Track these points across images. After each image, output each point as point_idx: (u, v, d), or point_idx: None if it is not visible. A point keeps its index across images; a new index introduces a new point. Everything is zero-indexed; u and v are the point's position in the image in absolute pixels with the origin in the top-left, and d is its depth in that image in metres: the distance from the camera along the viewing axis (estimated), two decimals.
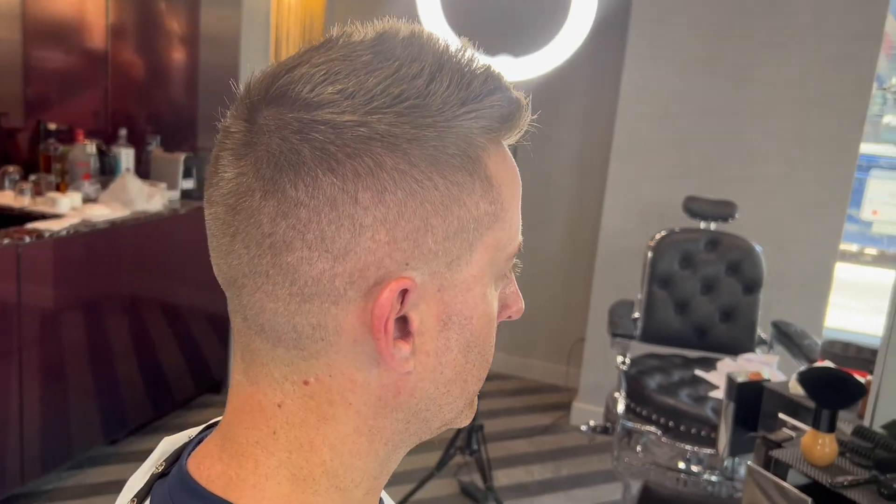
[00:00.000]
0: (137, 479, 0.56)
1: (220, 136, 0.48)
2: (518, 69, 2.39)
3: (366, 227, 0.43)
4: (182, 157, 3.23)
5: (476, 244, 0.47)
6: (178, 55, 3.43)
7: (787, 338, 2.56)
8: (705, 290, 2.79)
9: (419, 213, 0.44)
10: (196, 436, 0.56)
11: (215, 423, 0.57)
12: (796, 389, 1.73)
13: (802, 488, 1.39)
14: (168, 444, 0.58)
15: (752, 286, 2.74)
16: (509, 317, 0.54)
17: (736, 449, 1.92)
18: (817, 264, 3.06)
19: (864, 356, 1.81)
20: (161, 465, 0.54)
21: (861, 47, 2.89)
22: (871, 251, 6.52)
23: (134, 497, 0.53)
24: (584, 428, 2.58)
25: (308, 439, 0.47)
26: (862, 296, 5.92)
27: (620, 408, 2.43)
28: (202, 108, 3.35)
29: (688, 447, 2.37)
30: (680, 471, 2.40)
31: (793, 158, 3.06)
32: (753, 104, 3.07)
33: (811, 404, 1.70)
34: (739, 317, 2.75)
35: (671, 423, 2.37)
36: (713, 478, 2.39)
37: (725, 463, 2.28)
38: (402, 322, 0.46)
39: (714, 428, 2.32)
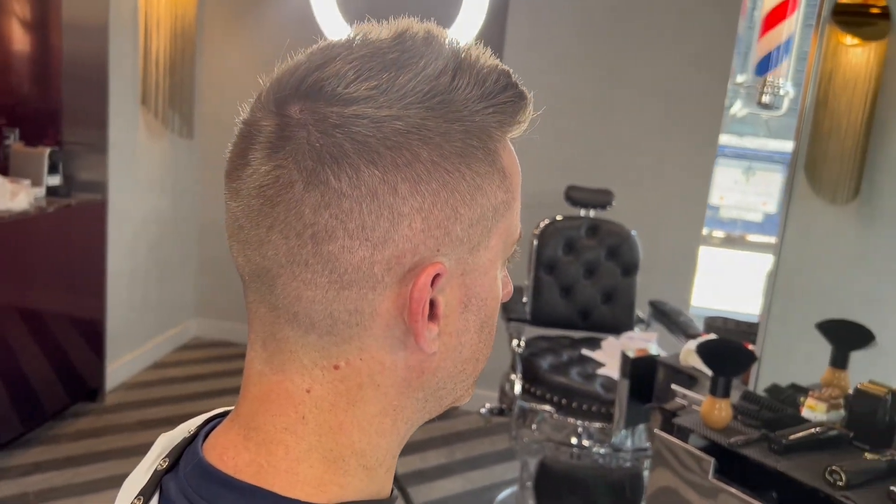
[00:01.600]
0: (138, 478, 0.56)
1: (245, 129, 0.49)
2: None
3: (404, 216, 0.46)
4: (47, 151, 3.02)
5: (493, 231, 0.51)
6: (35, 43, 3.20)
7: (663, 315, 2.75)
8: (587, 274, 2.94)
9: (450, 202, 0.47)
10: (197, 430, 0.56)
11: (220, 415, 0.57)
12: (686, 362, 1.89)
13: (704, 450, 1.53)
14: (167, 440, 0.58)
15: (629, 269, 2.92)
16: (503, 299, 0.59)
17: (631, 420, 2.06)
18: (684, 248, 3.30)
19: (742, 329, 2.00)
20: (164, 461, 0.54)
21: (718, 45, 3.14)
22: (719, 234, 7.11)
23: (139, 495, 0.53)
24: (482, 411, 2.66)
25: (337, 422, 0.49)
26: (715, 275, 6.44)
27: (517, 389, 2.53)
28: (67, 99, 3.15)
29: (580, 423, 2.50)
30: (573, 446, 2.53)
31: (661, 150, 3.28)
32: (626, 99, 3.27)
33: (701, 374, 1.86)
34: (619, 298, 2.92)
35: (564, 401, 2.50)
36: (602, 450, 2.54)
37: (616, 436, 2.43)
38: (430, 305, 0.49)
39: (604, 403, 2.47)
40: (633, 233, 2.95)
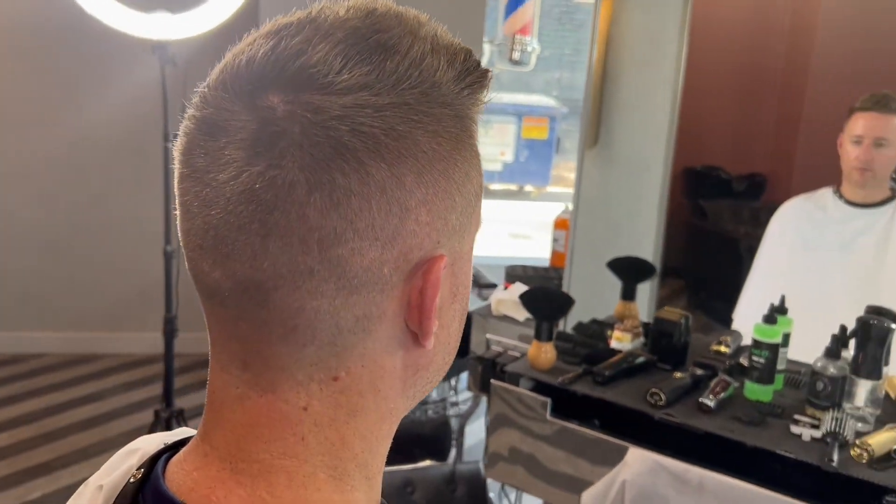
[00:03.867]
0: (110, 475, 0.52)
1: (205, 125, 0.43)
2: (175, 26, 2.22)
3: (410, 209, 0.43)
4: None
5: (472, 216, 0.50)
6: None
7: None
8: None
9: (448, 191, 0.46)
10: (165, 452, 0.51)
11: (185, 441, 0.51)
12: (499, 311, 1.99)
13: (536, 391, 1.63)
14: (145, 443, 0.54)
15: None
16: None
17: (450, 373, 2.14)
18: None
19: (540, 274, 2.15)
20: (139, 472, 0.50)
21: (469, 3, 3.27)
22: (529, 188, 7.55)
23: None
24: None
25: (339, 436, 0.46)
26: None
27: None
28: None
29: None
30: None
31: None
32: None
33: (514, 321, 1.98)
34: None
35: None
36: None
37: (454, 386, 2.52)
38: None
39: None
40: None
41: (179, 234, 0.47)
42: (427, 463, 2.35)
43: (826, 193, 2.03)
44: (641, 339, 1.75)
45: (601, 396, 1.56)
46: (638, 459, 1.63)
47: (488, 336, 1.97)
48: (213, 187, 0.42)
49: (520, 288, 2.01)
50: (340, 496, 0.46)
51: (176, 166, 0.46)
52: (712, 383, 1.56)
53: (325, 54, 0.42)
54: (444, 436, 2.67)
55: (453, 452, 2.65)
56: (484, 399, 2.05)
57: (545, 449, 1.60)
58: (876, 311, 1.53)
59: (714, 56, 2.47)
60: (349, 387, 0.45)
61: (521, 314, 1.94)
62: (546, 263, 2.32)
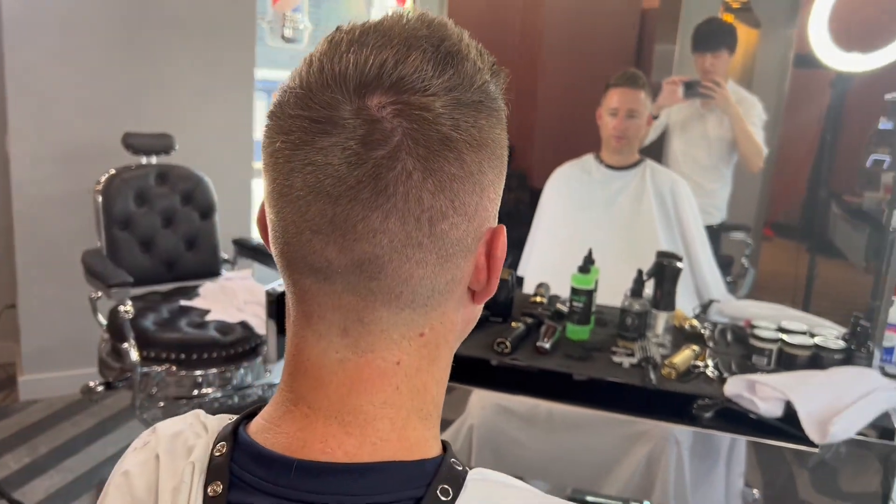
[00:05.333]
0: (147, 462, 0.57)
1: (314, 123, 0.49)
2: None
3: (485, 189, 0.54)
4: None
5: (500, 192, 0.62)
6: None
7: (254, 251, 2.84)
8: (166, 223, 2.83)
9: (502, 172, 0.58)
10: (234, 424, 0.57)
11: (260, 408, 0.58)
12: None
13: None
14: (216, 423, 0.59)
15: (206, 212, 2.90)
16: None
17: (283, 351, 2.15)
18: (239, 183, 3.38)
19: None
20: (223, 446, 0.55)
21: None
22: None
23: (217, 481, 0.53)
24: (85, 390, 2.42)
25: (422, 383, 0.56)
26: None
27: (133, 356, 2.36)
28: None
29: (200, 373, 2.48)
30: (193, 397, 2.51)
31: (204, 87, 3.25)
32: (160, 36, 3.12)
33: None
34: (202, 242, 2.90)
35: (183, 356, 2.44)
36: (219, 394, 2.57)
37: (269, 368, 2.50)
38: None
39: (223, 347, 2.48)
40: (205, 176, 2.91)
41: (279, 223, 0.52)
42: None
43: (589, 159, 2.34)
44: None
45: (470, 354, 1.71)
46: (479, 404, 1.81)
47: None
48: (334, 178, 0.48)
49: None
50: (428, 432, 0.55)
51: (279, 160, 0.51)
52: (542, 329, 1.78)
53: (419, 62, 0.49)
54: None
55: None
56: None
57: None
58: (665, 255, 1.85)
59: None
60: (430, 341, 0.54)
61: None
62: None
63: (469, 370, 1.71)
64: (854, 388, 1.50)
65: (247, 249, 2.93)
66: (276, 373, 2.66)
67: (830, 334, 1.75)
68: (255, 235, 3.07)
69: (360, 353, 0.52)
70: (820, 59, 2.02)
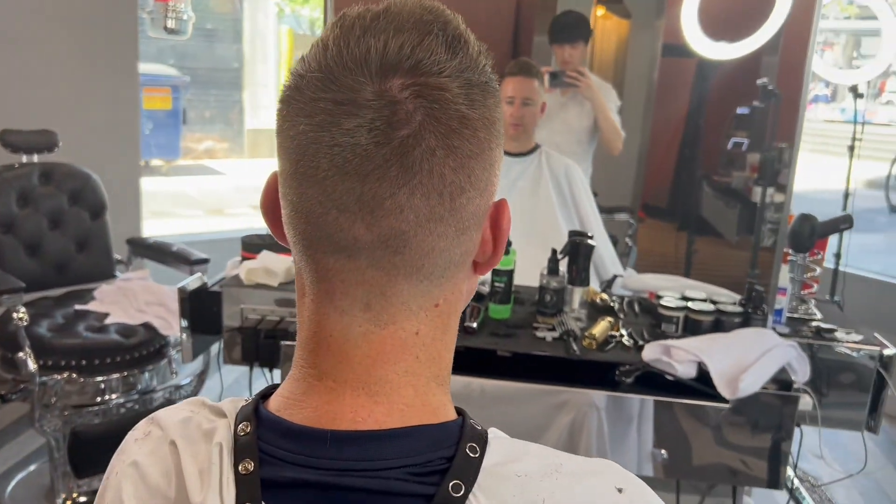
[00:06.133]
0: (158, 450, 0.57)
1: (344, 107, 0.51)
2: None
3: (494, 164, 0.58)
4: None
5: None
6: None
7: (151, 250, 2.74)
8: (53, 224, 2.68)
9: (502, 148, 0.63)
10: (253, 405, 0.58)
11: (273, 389, 0.60)
12: (252, 279, 2.02)
13: None
14: (230, 406, 0.59)
15: (97, 211, 2.76)
16: None
17: (198, 351, 2.10)
18: (127, 180, 3.24)
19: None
20: (247, 425, 0.56)
21: None
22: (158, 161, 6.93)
23: (248, 459, 0.54)
24: None
25: (437, 351, 0.59)
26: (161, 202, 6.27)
27: (31, 366, 2.23)
28: None
29: (101, 379, 2.37)
30: (98, 404, 2.40)
31: (86, 82, 3.08)
32: (28, 29, 2.92)
33: (270, 287, 2.03)
34: (94, 243, 2.76)
35: (84, 362, 2.33)
36: (122, 400, 2.47)
37: (175, 370, 2.41)
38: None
39: (126, 350, 2.39)
40: (94, 174, 2.77)
41: (301, 204, 0.53)
42: None
43: None
44: None
45: None
46: None
47: (243, 307, 2.00)
48: (362, 157, 0.50)
49: (268, 256, 2.06)
50: (445, 397, 0.59)
51: (303, 143, 0.52)
52: (467, 310, 1.84)
53: (434, 46, 0.52)
54: None
55: None
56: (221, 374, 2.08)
57: None
58: (577, 234, 1.95)
59: None
60: (444, 311, 0.58)
61: (275, 280, 2.00)
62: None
63: None
64: (755, 348, 1.65)
65: (142, 249, 2.81)
66: (183, 374, 2.59)
67: (728, 300, 1.91)
68: (149, 233, 2.96)
69: (383, 325, 0.54)
70: (692, 49, 2.15)
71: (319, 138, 0.51)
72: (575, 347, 1.70)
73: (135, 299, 2.58)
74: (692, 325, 1.81)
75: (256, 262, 2.03)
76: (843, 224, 2.02)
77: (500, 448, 0.56)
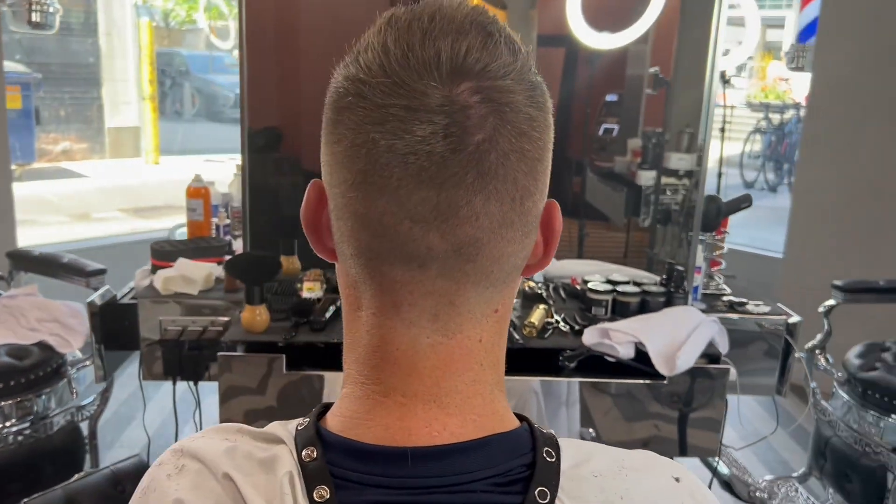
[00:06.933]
0: (206, 485, 0.53)
1: (415, 113, 0.49)
2: None
3: (547, 166, 0.57)
4: None
5: None
6: None
7: (38, 263, 2.53)
8: None
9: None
10: (314, 428, 0.55)
11: (325, 408, 0.58)
12: (168, 288, 1.90)
13: (257, 352, 1.68)
14: (282, 430, 0.56)
15: None
16: None
17: (111, 369, 1.97)
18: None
19: (192, 246, 2.09)
20: (312, 450, 0.53)
21: None
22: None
23: (322, 485, 0.51)
24: None
25: (497, 357, 0.58)
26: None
27: None
28: None
29: None
30: None
31: None
32: None
33: (190, 296, 1.93)
34: None
35: None
36: (18, 427, 2.28)
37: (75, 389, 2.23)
38: None
39: (21, 372, 2.19)
40: None
41: (368, 215, 0.51)
42: (79, 476, 2.13)
43: None
44: (324, 286, 1.90)
45: (327, 340, 1.69)
46: None
47: (162, 318, 1.89)
48: (438, 164, 0.48)
49: (184, 263, 1.95)
50: (505, 402, 0.58)
51: (372, 151, 0.49)
52: None
53: (497, 49, 0.51)
54: (75, 444, 2.41)
55: (88, 458, 2.43)
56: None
57: (286, 400, 1.67)
58: None
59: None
60: (502, 316, 0.57)
61: (195, 288, 1.90)
62: (183, 235, 2.25)
63: (335, 356, 1.70)
64: (685, 325, 1.73)
65: (26, 262, 2.59)
66: (86, 394, 2.41)
67: (649, 281, 1.99)
68: (34, 244, 2.72)
69: (451, 335, 0.53)
70: (577, 39, 2.19)
71: (392, 146, 0.48)
72: (517, 336, 1.73)
73: (24, 318, 2.37)
74: (621, 308, 1.88)
75: (173, 270, 1.92)
76: (743, 203, 2.16)
77: (572, 450, 0.56)
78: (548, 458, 0.54)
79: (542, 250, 0.58)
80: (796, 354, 1.98)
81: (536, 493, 0.52)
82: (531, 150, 0.51)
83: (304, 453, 0.53)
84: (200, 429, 1.94)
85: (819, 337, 2.43)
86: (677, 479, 0.58)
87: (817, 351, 2.41)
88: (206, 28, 11.35)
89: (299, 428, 0.56)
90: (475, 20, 0.51)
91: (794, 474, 2.55)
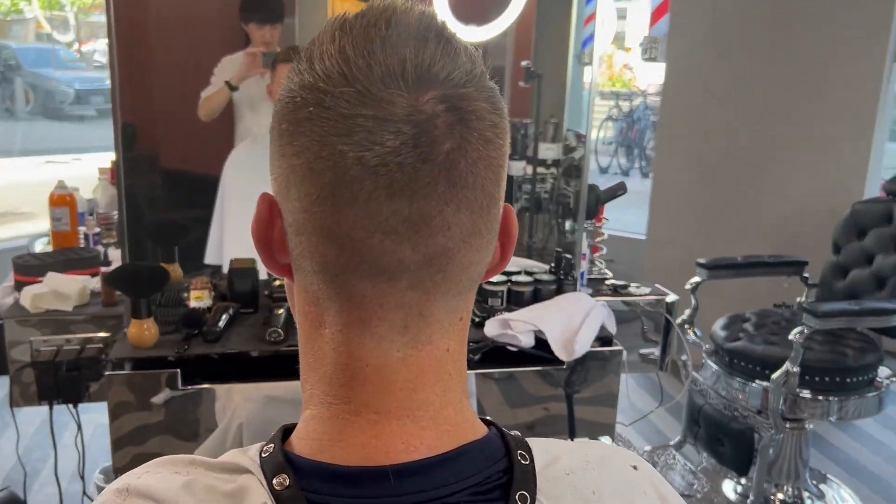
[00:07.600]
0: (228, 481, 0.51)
1: (383, 123, 0.48)
2: None
3: (506, 171, 0.58)
4: None
5: None
6: None
7: None
8: None
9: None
10: (282, 453, 0.53)
11: (289, 429, 0.56)
12: (39, 307, 1.75)
13: (148, 368, 1.58)
14: (245, 459, 0.53)
15: None
16: None
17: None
18: None
19: (61, 258, 1.93)
20: (283, 478, 0.51)
21: None
22: None
23: None
24: None
25: (462, 365, 0.58)
26: None
27: None
28: None
29: None
30: None
31: None
32: None
33: (65, 313, 1.79)
34: None
35: None
36: None
37: None
38: None
39: None
40: None
41: (337, 229, 0.49)
42: None
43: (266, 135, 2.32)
44: (212, 293, 1.81)
45: (223, 351, 1.62)
46: (243, 401, 1.75)
47: (33, 339, 1.73)
48: (409, 175, 0.47)
49: (55, 278, 1.80)
50: (472, 408, 0.58)
51: (340, 163, 0.48)
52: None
53: (458, 57, 0.51)
54: None
55: None
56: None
57: (181, 416, 1.59)
58: None
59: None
60: (466, 324, 0.57)
61: (68, 304, 1.76)
62: (48, 247, 2.07)
63: (229, 368, 1.63)
64: (579, 311, 1.80)
65: None
66: None
67: (539, 270, 2.05)
68: None
69: (420, 346, 0.52)
70: None
71: (361, 158, 0.47)
72: None
73: None
74: (516, 297, 1.92)
75: (42, 286, 1.77)
76: (619, 191, 2.26)
77: (540, 449, 0.57)
78: (522, 462, 0.54)
79: (499, 255, 0.57)
80: (678, 332, 2.11)
81: (517, 497, 0.52)
82: (496, 157, 0.51)
83: (275, 481, 0.50)
84: (84, 454, 1.80)
85: (688, 312, 2.59)
86: (635, 468, 0.59)
87: (687, 325, 2.57)
88: (35, 18, 10.51)
89: (263, 455, 0.53)
90: (430, 26, 0.51)
91: (671, 443, 2.71)
